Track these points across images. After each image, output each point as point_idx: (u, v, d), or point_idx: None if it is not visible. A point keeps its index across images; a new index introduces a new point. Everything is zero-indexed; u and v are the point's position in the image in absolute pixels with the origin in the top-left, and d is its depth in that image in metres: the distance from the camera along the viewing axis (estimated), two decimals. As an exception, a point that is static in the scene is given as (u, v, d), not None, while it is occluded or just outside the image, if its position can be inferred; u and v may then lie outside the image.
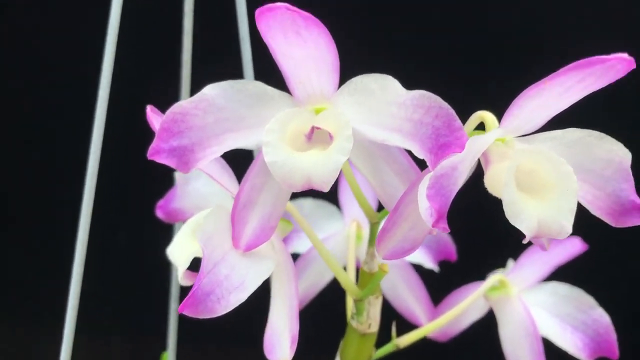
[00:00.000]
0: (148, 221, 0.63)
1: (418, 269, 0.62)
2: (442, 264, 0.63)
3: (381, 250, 0.42)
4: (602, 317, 0.58)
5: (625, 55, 0.37)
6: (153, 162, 0.41)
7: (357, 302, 0.51)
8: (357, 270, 0.57)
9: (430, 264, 0.62)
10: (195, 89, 0.58)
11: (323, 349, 0.52)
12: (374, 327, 0.52)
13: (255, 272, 0.44)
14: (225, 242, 0.44)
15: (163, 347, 0.70)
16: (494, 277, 0.60)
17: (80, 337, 0.53)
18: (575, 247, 0.59)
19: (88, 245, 0.52)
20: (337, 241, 0.60)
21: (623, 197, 0.42)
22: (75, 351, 0.54)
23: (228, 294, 0.42)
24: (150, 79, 0.72)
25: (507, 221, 0.41)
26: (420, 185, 0.40)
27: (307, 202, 0.62)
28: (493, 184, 0.41)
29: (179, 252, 0.46)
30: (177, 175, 0.55)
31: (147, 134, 0.43)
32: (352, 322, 0.52)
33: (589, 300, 0.58)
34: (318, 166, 0.40)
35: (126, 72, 0.55)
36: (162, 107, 0.43)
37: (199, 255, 0.45)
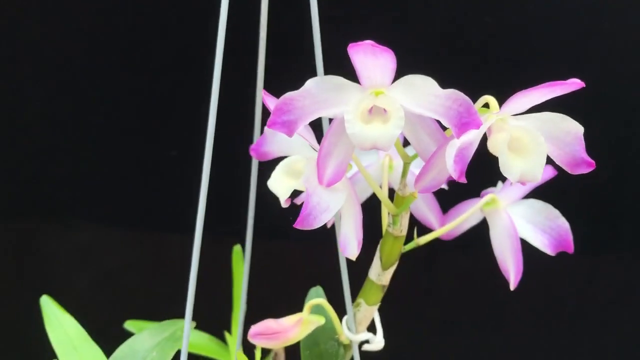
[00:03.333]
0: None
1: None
2: (450, 183, 0.73)
3: (418, 186, 0.63)
4: (563, 224, 0.74)
5: (576, 80, 0.57)
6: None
7: (394, 215, 0.71)
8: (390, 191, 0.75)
9: (548, 250, 0.74)
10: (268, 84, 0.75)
11: (369, 247, 0.71)
12: (404, 232, 0.69)
13: (335, 200, 0.63)
14: (316, 181, 0.63)
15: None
16: (488, 195, 0.75)
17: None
18: (547, 173, 0.73)
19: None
20: (374, 169, 0.79)
21: (577, 155, 0.60)
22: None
23: (320, 214, 0.62)
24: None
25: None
26: (447, 147, 0.60)
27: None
28: (493, 147, 0.60)
29: (280, 185, 0.66)
30: (266, 128, 0.74)
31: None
32: (389, 229, 0.70)
33: (555, 212, 0.74)
34: (381, 136, 0.58)
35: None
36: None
37: (296, 188, 0.65)
